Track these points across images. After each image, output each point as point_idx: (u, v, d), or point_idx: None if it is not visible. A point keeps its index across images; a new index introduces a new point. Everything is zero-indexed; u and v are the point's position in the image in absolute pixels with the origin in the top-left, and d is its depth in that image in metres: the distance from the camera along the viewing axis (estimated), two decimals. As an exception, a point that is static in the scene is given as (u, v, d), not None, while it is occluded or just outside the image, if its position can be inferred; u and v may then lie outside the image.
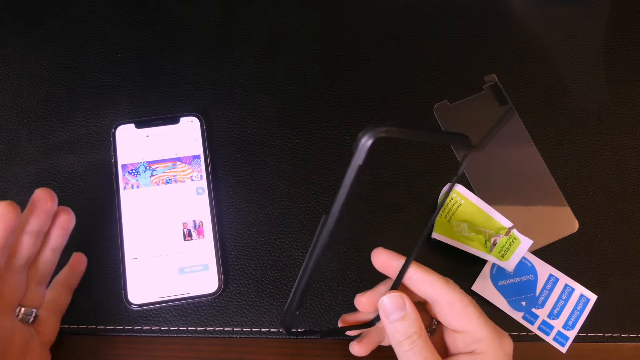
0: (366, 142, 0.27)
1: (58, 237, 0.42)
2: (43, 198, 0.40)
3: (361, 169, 0.28)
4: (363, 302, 0.39)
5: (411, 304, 0.36)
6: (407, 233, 0.49)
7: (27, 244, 0.39)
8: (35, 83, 0.52)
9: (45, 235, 0.41)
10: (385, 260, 0.38)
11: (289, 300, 0.34)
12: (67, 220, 0.42)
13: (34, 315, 0.40)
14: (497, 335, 0.36)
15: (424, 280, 0.36)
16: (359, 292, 0.40)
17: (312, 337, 0.36)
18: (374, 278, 0.40)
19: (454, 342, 0.38)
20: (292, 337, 0.35)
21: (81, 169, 0.49)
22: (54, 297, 0.43)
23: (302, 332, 0.38)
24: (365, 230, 0.49)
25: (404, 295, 0.36)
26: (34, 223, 0.40)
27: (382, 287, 0.39)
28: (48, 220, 0.41)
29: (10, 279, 0.38)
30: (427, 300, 0.38)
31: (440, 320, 0.38)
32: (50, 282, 0.43)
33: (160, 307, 0.46)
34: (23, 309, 0.40)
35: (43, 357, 0.40)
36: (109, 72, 0.52)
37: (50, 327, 0.42)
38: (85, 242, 0.47)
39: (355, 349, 0.41)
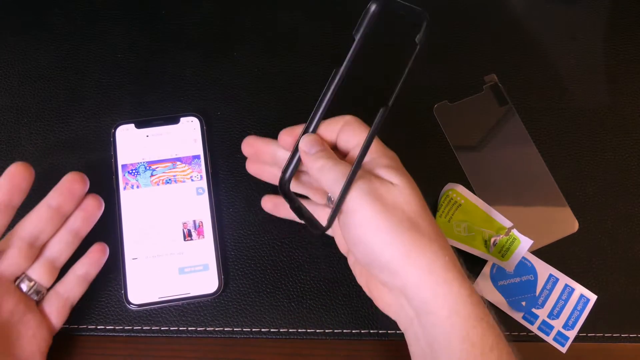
0: (371, 6, 0.36)
1: (79, 219, 0.41)
2: (72, 178, 0.40)
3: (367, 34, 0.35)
4: (285, 139, 0.41)
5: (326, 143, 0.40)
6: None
7: (42, 215, 0.39)
8: (35, 83, 0.52)
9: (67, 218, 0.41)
10: (260, 144, 0.43)
11: (285, 164, 0.39)
12: (93, 205, 0.42)
13: (34, 288, 0.40)
14: (382, 145, 0.40)
15: (327, 123, 0.40)
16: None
17: (291, 202, 0.39)
18: (374, 278, 0.40)
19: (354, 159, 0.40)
20: (283, 194, 0.39)
21: (81, 169, 0.49)
22: (68, 284, 0.42)
23: (290, 194, 0.40)
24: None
25: (316, 136, 0.40)
26: (55, 198, 0.40)
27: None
28: (72, 201, 0.40)
29: (11, 242, 0.39)
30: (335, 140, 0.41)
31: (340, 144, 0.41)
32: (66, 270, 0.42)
33: (160, 307, 0.46)
34: (27, 280, 0.39)
35: (39, 337, 0.40)
36: (109, 72, 0.52)
37: (56, 311, 0.41)
38: (85, 242, 0.47)
39: (268, 205, 0.45)
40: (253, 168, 0.46)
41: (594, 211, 0.50)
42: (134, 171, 0.48)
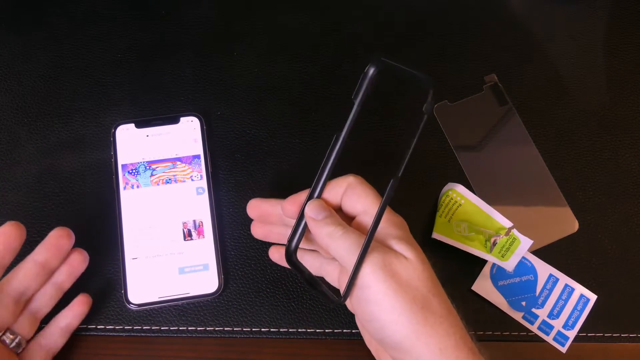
0: (370, 69, 0.35)
1: (64, 274, 0.42)
2: (58, 234, 0.40)
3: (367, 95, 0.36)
4: (289, 208, 0.40)
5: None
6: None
7: (28, 271, 0.39)
8: (35, 83, 0.52)
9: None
10: (266, 207, 0.42)
11: (291, 233, 0.38)
12: (79, 260, 0.42)
13: (17, 342, 0.40)
14: (390, 211, 0.39)
15: (330, 186, 0.39)
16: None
17: (301, 273, 0.38)
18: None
19: (364, 225, 0.39)
20: (291, 265, 0.38)
21: (81, 169, 0.49)
22: (50, 336, 0.42)
23: (299, 265, 0.38)
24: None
25: (322, 201, 0.39)
26: (42, 254, 0.40)
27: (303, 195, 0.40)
28: (58, 256, 0.41)
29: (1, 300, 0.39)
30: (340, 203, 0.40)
31: (345, 208, 0.40)
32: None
33: (160, 307, 0.46)
34: (9, 334, 0.39)
35: None
36: (109, 72, 0.52)
37: None
38: (85, 242, 0.47)
39: (276, 256, 0.44)
40: (259, 232, 0.45)
41: (594, 211, 0.50)
42: (134, 171, 0.48)
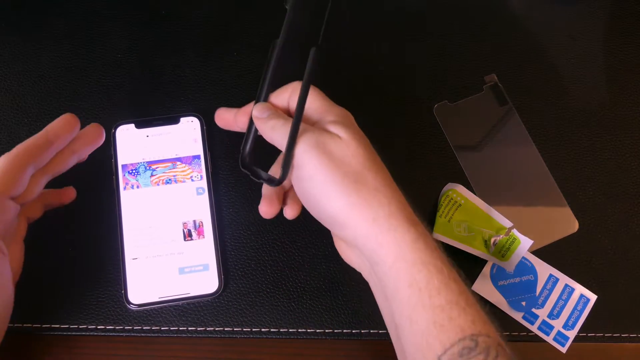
0: None
1: (80, 142, 0.43)
2: (66, 119, 0.42)
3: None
4: (241, 119, 0.43)
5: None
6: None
7: (41, 146, 0.41)
8: (36, 83, 0.52)
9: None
10: (227, 116, 0.44)
11: (243, 140, 0.41)
12: (95, 133, 0.44)
13: None
14: (329, 103, 0.41)
15: (274, 96, 0.42)
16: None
17: (250, 172, 0.41)
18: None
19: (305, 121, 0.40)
20: (243, 168, 0.41)
21: (81, 169, 0.49)
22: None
23: (248, 166, 0.41)
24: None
25: (267, 103, 0.42)
26: (53, 131, 0.41)
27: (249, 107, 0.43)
28: (68, 136, 0.42)
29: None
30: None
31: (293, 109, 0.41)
32: None
33: (160, 307, 0.46)
34: None
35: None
36: (109, 72, 0.52)
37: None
38: (85, 242, 0.47)
39: (263, 209, 0.43)
40: (221, 122, 0.46)
41: (594, 211, 0.50)
42: (134, 171, 0.48)
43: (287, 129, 0.38)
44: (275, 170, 0.44)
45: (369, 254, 0.37)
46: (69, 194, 0.45)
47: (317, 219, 0.39)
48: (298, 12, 0.39)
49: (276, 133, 0.39)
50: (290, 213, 0.43)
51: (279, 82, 0.42)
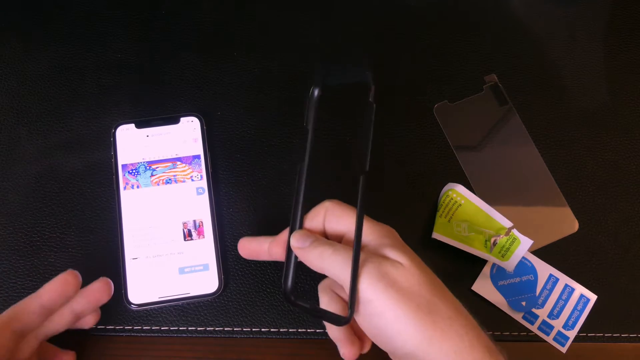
0: (314, 91, 0.37)
1: (82, 303, 0.40)
2: (64, 280, 0.39)
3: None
4: (275, 250, 0.40)
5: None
6: (408, 233, 0.49)
7: (32, 312, 0.38)
8: (35, 83, 0.52)
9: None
10: (255, 246, 0.41)
11: (284, 274, 0.37)
12: (100, 291, 0.40)
13: None
14: (372, 223, 0.38)
15: (308, 220, 0.39)
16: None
17: (303, 309, 0.38)
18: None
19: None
20: (291, 305, 0.38)
21: (81, 169, 0.49)
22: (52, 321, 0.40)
23: (298, 303, 0.37)
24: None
25: (304, 230, 0.39)
26: (47, 295, 0.39)
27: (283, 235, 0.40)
28: (63, 300, 0.40)
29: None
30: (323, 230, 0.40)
31: (330, 233, 0.39)
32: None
33: (160, 307, 0.46)
34: None
35: None
36: (109, 72, 0.52)
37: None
38: (85, 242, 0.47)
39: (348, 355, 0.39)
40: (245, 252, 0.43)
41: (594, 211, 0.50)
42: (134, 171, 0.48)
43: (338, 257, 0.35)
44: (327, 303, 0.38)
45: None
46: (69, 358, 0.42)
47: (386, 351, 0.36)
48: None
49: (326, 262, 0.36)
50: (354, 353, 0.38)
51: (309, 205, 0.39)
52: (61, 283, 0.39)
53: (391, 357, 0.37)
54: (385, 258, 0.36)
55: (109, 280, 0.41)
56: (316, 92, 0.37)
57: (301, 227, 0.39)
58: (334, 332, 0.39)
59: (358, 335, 0.39)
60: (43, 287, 0.39)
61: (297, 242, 0.37)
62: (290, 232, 0.38)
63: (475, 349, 0.34)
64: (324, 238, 0.38)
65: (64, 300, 0.39)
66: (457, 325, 0.34)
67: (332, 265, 0.36)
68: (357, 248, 0.35)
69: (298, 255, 0.38)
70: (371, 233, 0.37)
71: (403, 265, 0.35)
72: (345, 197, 0.39)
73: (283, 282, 0.38)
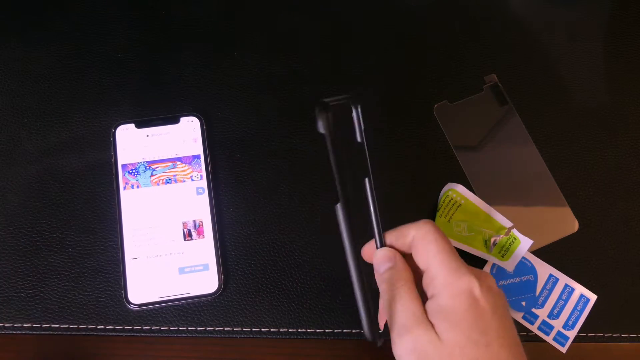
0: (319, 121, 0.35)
1: None
2: None
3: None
4: (367, 253, 0.39)
5: (401, 257, 0.36)
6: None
7: None
8: (35, 83, 0.52)
9: None
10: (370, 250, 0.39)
11: (362, 310, 0.35)
12: None
13: None
14: (453, 272, 0.34)
15: (396, 235, 0.37)
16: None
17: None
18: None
19: (425, 285, 0.36)
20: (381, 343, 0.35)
21: (81, 169, 0.49)
22: None
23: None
24: (366, 230, 0.49)
25: (394, 250, 0.37)
26: None
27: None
28: None
29: None
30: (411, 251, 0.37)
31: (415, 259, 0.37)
32: None
33: (160, 307, 0.46)
34: None
35: None
36: (109, 72, 0.52)
37: None
38: (85, 242, 0.47)
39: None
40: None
41: (594, 211, 0.50)
42: (134, 171, 0.48)
43: (391, 308, 0.34)
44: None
45: None
46: None
47: None
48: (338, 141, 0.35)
49: (382, 299, 0.35)
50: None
51: (382, 217, 0.38)
52: None
53: None
54: (429, 328, 0.33)
55: None
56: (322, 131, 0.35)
57: (383, 244, 0.37)
58: None
59: None
60: None
61: (376, 263, 0.37)
62: (380, 244, 0.37)
63: None
64: (399, 269, 0.36)
65: None
66: None
67: (385, 304, 0.35)
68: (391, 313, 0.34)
69: (377, 277, 0.37)
70: (446, 278, 0.34)
71: (442, 342, 0.32)
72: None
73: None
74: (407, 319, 0.33)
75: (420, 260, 0.36)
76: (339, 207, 0.34)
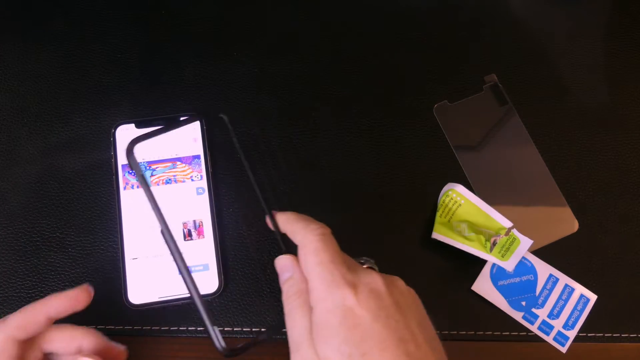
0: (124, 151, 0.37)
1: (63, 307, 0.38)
2: (77, 296, 0.38)
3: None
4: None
5: (298, 267, 0.35)
6: (408, 233, 0.49)
7: (38, 322, 0.37)
8: (35, 83, 0.52)
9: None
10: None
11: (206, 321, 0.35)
12: (81, 298, 0.39)
13: None
14: (326, 287, 0.32)
15: (290, 231, 0.36)
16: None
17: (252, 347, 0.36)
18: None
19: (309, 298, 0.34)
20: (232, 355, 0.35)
21: (81, 169, 0.49)
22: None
23: (241, 348, 0.36)
24: (366, 230, 0.49)
25: (292, 258, 0.35)
26: (55, 309, 0.38)
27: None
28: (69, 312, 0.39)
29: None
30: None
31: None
32: None
33: (160, 307, 0.46)
34: None
35: None
36: (109, 72, 0.52)
37: None
38: (85, 242, 0.47)
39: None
40: None
41: (594, 211, 0.50)
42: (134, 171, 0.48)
43: (287, 318, 0.33)
44: None
45: None
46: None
47: None
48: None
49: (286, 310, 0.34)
50: None
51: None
52: (72, 298, 0.38)
53: None
54: (309, 346, 0.32)
55: (90, 288, 0.39)
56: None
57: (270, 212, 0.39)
58: None
59: None
60: (52, 297, 0.38)
61: (277, 267, 0.36)
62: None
63: None
64: (295, 277, 0.35)
65: (71, 314, 0.38)
66: None
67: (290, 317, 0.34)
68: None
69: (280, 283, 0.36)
70: (323, 293, 0.32)
71: None
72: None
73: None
74: (299, 336, 0.32)
75: (303, 270, 0.34)
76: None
